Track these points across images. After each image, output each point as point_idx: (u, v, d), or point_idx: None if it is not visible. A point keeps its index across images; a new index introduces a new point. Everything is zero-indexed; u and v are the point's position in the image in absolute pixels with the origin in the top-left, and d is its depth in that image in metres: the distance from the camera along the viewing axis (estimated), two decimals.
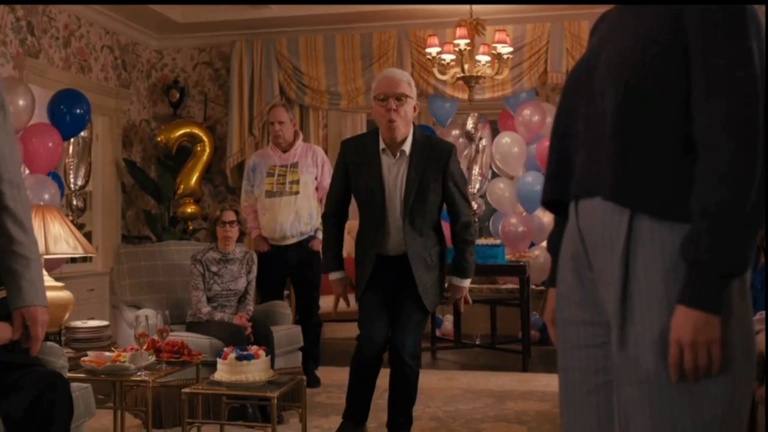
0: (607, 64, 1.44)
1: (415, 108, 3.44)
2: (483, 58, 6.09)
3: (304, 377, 3.61)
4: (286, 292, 5.66)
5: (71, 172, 6.27)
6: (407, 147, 3.42)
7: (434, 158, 3.41)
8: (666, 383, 1.32)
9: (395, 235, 3.45)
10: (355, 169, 3.47)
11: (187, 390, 3.30)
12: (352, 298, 3.64)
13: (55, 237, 3.92)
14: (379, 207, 3.41)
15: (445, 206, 3.55)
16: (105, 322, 4.12)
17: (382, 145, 3.42)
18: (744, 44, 1.30)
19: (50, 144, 5.18)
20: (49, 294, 4.00)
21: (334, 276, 3.60)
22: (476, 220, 6.94)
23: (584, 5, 6.17)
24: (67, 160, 6.21)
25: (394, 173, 3.42)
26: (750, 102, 1.29)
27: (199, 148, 7.23)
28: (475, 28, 6.13)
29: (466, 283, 3.67)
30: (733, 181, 1.27)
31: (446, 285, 3.64)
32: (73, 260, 6.18)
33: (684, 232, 1.31)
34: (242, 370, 3.22)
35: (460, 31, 6.00)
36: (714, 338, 1.29)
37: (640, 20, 1.42)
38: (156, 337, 3.55)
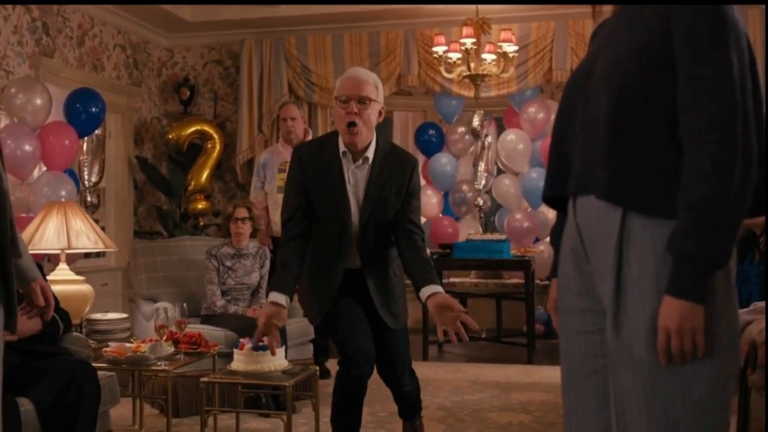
0: (602, 71, 1.57)
1: (380, 113, 3.10)
2: (489, 57, 6.20)
3: (317, 368, 3.74)
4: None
5: (85, 169, 6.42)
6: (370, 153, 3.07)
7: (397, 169, 3.08)
8: (656, 366, 1.45)
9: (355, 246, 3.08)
10: (314, 177, 3.04)
11: (205, 379, 3.43)
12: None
13: (76, 232, 4.07)
14: (343, 216, 3.02)
15: (395, 228, 3.11)
16: (124, 315, 4.26)
17: (342, 149, 3.05)
18: (725, 54, 1.43)
19: (67, 142, 5.32)
20: (71, 287, 4.19)
21: (276, 298, 2.90)
22: (482, 215, 7.08)
23: (587, 5, 6.26)
24: (81, 158, 6.35)
25: (354, 180, 3.06)
26: (730, 107, 1.41)
27: (209, 145, 7.37)
28: (481, 28, 6.25)
29: (440, 289, 3.01)
30: (715, 180, 1.39)
31: (426, 297, 2.98)
32: (86, 255, 6.32)
33: (672, 228, 1.44)
34: (258, 360, 3.35)
35: (466, 30, 6.12)
36: (698, 326, 1.42)
37: (633, 30, 1.54)
38: (174, 329, 3.69)
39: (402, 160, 3.14)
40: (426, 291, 2.93)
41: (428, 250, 3.23)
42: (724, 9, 1.45)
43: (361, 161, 3.06)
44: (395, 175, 3.08)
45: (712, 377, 1.45)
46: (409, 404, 3.38)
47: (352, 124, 2.98)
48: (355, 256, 3.06)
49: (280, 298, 2.89)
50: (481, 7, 6.32)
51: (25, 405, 2.73)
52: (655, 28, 1.49)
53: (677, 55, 1.46)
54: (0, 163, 2.08)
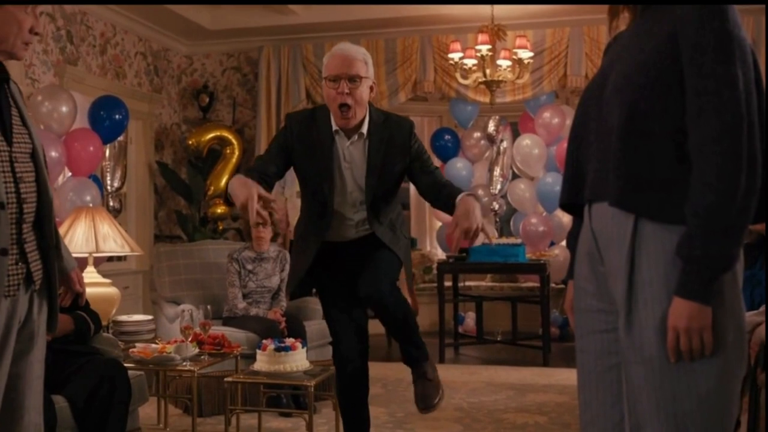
0: (615, 84, 1.65)
1: (371, 88, 2.99)
2: (504, 63, 6.29)
3: None
4: (312, 290, 5.89)
5: (108, 174, 6.55)
6: (364, 128, 2.99)
7: (395, 137, 3.02)
8: (666, 362, 1.54)
9: (350, 223, 3.06)
10: (302, 148, 2.98)
11: (229, 379, 3.54)
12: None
13: (104, 236, 4.20)
14: (327, 193, 2.98)
15: (420, 187, 3.10)
16: (149, 317, 4.38)
17: (334, 127, 2.98)
18: (730, 69, 1.51)
19: (91, 148, 5.44)
20: (98, 290, 4.31)
21: (235, 178, 2.73)
22: (497, 219, 7.16)
23: (603, 12, 6.32)
24: (104, 163, 6.48)
25: (350, 157, 2.99)
26: (735, 120, 1.49)
27: (228, 151, 7.49)
28: (497, 34, 6.34)
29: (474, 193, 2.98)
30: (720, 188, 1.48)
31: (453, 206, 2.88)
32: (108, 259, 6.45)
33: (680, 233, 1.52)
34: (280, 361, 3.45)
35: (481, 37, 6.21)
36: (706, 325, 1.50)
37: (644, 47, 1.63)
38: (199, 330, 3.79)
39: (398, 127, 3.06)
40: (459, 196, 2.86)
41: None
42: (730, 27, 1.53)
43: (356, 137, 2.99)
44: (395, 143, 3.02)
45: (719, 373, 1.53)
46: (396, 322, 3.04)
47: (344, 106, 2.89)
48: (351, 230, 3.06)
49: (238, 175, 2.75)
50: (496, 13, 6.40)
51: (60, 402, 2.84)
52: (664, 45, 1.58)
53: (685, 71, 1.55)
54: (45, 172, 2.19)
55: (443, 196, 2.96)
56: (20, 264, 2.12)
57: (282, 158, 2.98)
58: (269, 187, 2.84)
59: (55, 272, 2.18)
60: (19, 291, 2.11)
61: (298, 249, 3.16)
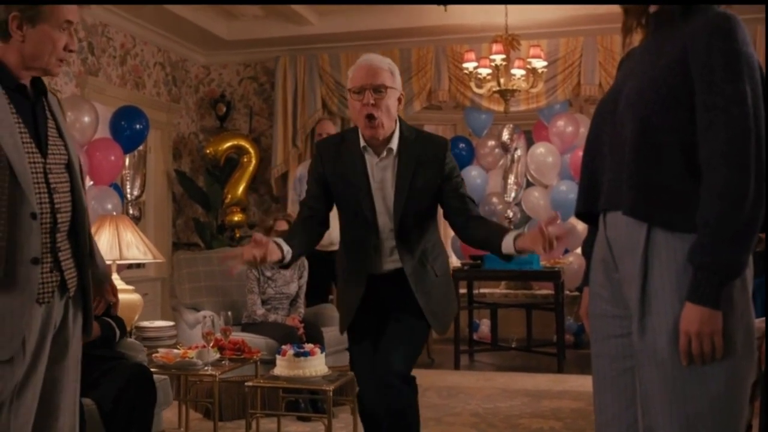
0: (627, 99, 1.73)
1: (399, 99, 2.82)
2: (518, 72, 6.35)
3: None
4: (330, 297, 5.97)
5: (128, 182, 6.65)
6: (394, 144, 2.80)
7: (427, 157, 2.81)
8: (678, 364, 1.60)
9: (388, 249, 2.84)
10: (335, 175, 2.83)
11: (250, 383, 3.61)
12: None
13: (127, 244, 4.30)
14: (368, 217, 2.79)
15: (447, 210, 2.86)
16: (170, 323, 4.48)
17: (362, 143, 2.80)
18: (738, 86, 1.58)
19: (112, 157, 5.55)
20: (122, 297, 4.38)
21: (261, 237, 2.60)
22: (512, 227, 7.21)
23: (616, 21, 6.37)
24: (124, 172, 6.59)
25: (380, 176, 2.80)
26: (743, 134, 1.57)
27: (245, 160, 7.60)
28: (511, 44, 6.40)
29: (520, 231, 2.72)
30: (729, 198, 1.55)
31: (513, 241, 2.60)
32: (128, 267, 6.55)
33: (691, 241, 1.59)
34: (300, 366, 3.53)
35: (495, 47, 6.28)
36: (716, 329, 1.57)
37: (655, 63, 1.70)
38: (220, 336, 3.87)
39: (431, 144, 2.86)
40: (508, 239, 2.60)
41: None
42: (738, 45, 1.60)
43: (385, 153, 2.80)
44: (426, 163, 2.80)
45: (729, 375, 1.60)
46: (397, 422, 2.71)
47: (370, 117, 2.72)
48: (384, 260, 2.83)
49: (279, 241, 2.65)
50: (510, 23, 6.46)
51: (88, 404, 2.93)
52: (675, 63, 1.65)
53: (696, 88, 1.62)
54: (80, 183, 2.28)
55: (482, 230, 2.75)
56: (54, 272, 2.20)
57: (321, 191, 2.86)
58: (324, 226, 2.87)
59: (89, 279, 2.27)
60: (53, 298, 2.19)
61: (343, 284, 2.98)
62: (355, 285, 2.86)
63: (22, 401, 2.13)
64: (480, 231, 2.78)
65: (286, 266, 2.74)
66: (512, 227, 7.16)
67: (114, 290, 2.49)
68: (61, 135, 2.27)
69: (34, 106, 2.23)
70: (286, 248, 2.63)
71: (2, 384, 2.10)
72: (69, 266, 2.24)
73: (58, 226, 2.21)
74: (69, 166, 2.26)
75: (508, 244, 2.60)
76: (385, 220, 2.80)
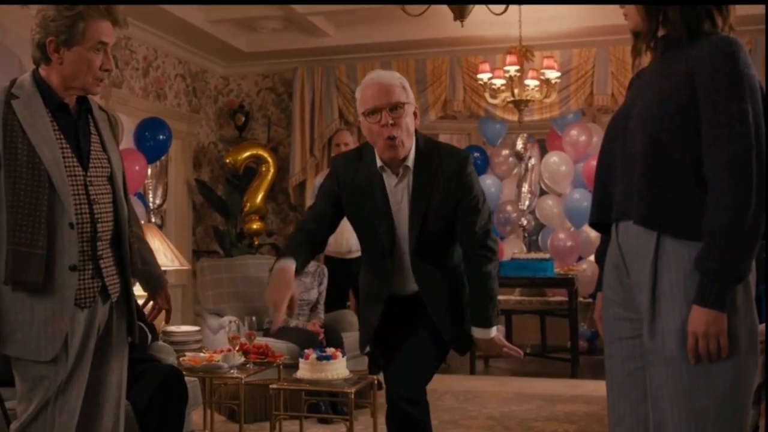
0: (638, 116, 1.86)
1: (415, 113, 2.69)
2: (532, 83, 6.47)
3: (375, 377, 4.03)
4: (348, 303, 6.10)
5: (150, 191, 6.83)
6: (410, 161, 2.67)
7: (444, 169, 2.66)
8: (686, 363, 1.73)
9: (406, 271, 2.73)
10: (352, 195, 2.70)
11: (274, 386, 3.74)
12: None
13: (155, 251, 4.43)
14: (389, 238, 2.68)
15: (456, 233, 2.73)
16: (196, 328, 4.61)
17: (379, 163, 2.67)
18: (741, 106, 1.72)
19: (137, 167, 5.72)
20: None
21: (282, 263, 2.56)
22: (526, 235, 7.32)
23: (628, 32, 6.49)
24: (146, 181, 6.76)
25: (399, 195, 2.68)
26: (745, 149, 1.70)
27: (264, 169, 7.75)
28: (524, 55, 6.52)
29: (492, 332, 2.70)
30: (733, 209, 1.68)
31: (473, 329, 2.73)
32: None
33: (698, 249, 1.72)
34: (322, 369, 3.65)
35: (509, 58, 6.40)
36: (722, 330, 1.70)
37: (663, 83, 1.84)
38: (245, 340, 4.01)
39: (449, 157, 2.69)
40: (474, 327, 2.70)
41: (490, 264, 2.71)
42: (741, 67, 1.74)
43: (401, 171, 2.67)
44: (444, 175, 2.66)
45: (734, 374, 1.72)
46: None
47: (392, 138, 2.58)
48: (403, 281, 2.74)
49: (289, 262, 2.56)
50: (524, 35, 6.58)
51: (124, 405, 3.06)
52: (682, 83, 1.79)
53: (701, 106, 1.76)
54: (121, 194, 2.41)
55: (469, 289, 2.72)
56: (95, 279, 2.32)
57: (331, 207, 2.74)
58: (322, 246, 2.81)
59: (131, 286, 2.40)
60: (96, 303, 2.32)
61: (363, 304, 2.90)
62: (374, 305, 2.78)
63: (66, 399, 2.25)
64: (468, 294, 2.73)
65: None
66: (526, 235, 7.27)
67: (168, 299, 2.62)
68: (104, 149, 2.40)
69: (76, 123, 2.37)
70: (293, 262, 2.58)
71: (47, 382, 2.23)
72: (111, 273, 2.36)
73: (99, 235, 2.32)
74: (112, 179, 2.40)
75: (473, 328, 2.70)
76: (403, 241, 2.70)
